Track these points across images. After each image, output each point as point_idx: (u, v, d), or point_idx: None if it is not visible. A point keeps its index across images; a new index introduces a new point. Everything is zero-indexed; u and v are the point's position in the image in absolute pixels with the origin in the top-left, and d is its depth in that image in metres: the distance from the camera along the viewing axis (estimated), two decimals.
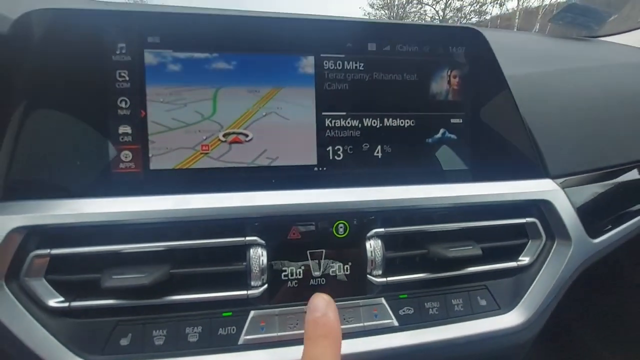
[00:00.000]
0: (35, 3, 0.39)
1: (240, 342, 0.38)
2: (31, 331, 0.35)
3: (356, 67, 0.42)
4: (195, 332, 0.38)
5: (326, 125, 0.42)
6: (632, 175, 0.56)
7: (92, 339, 0.37)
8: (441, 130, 0.45)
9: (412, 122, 0.44)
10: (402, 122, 0.43)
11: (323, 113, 0.42)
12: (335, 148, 0.42)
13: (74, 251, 0.36)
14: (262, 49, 0.40)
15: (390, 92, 0.43)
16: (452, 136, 0.45)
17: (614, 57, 0.72)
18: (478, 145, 0.46)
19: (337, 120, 0.42)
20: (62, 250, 0.36)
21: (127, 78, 0.38)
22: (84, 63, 0.37)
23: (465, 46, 0.45)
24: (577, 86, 0.57)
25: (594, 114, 0.56)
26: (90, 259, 0.37)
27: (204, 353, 0.37)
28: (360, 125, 0.43)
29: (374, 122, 0.43)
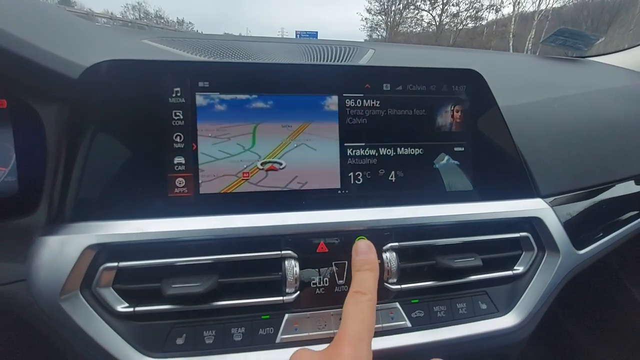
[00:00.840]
0: (100, 53, 0.46)
1: (278, 340, 0.45)
2: (103, 333, 0.42)
3: (373, 104, 0.49)
4: (239, 332, 0.44)
5: (348, 154, 0.49)
6: (613, 192, 0.64)
7: (153, 339, 0.43)
8: (446, 157, 0.52)
9: (421, 151, 0.51)
10: (412, 151, 0.50)
11: (345, 144, 0.49)
12: (356, 174, 0.49)
13: (138, 264, 0.43)
14: (294, 90, 0.47)
15: (403, 125, 0.50)
16: (455, 162, 0.52)
17: (601, 81, 0.80)
18: (478, 169, 0.53)
19: (357, 150, 0.49)
20: (127, 263, 0.43)
21: (182, 117, 0.45)
22: (146, 104, 0.44)
23: (466, 85, 0.52)
24: (565, 112, 0.65)
25: (580, 138, 0.63)
26: (151, 270, 0.43)
27: (247, 350, 0.44)
28: (377, 154, 0.50)
29: (389, 151, 0.50)
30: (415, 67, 0.50)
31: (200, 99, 0.45)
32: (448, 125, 0.52)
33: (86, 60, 0.44)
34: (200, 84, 0.45)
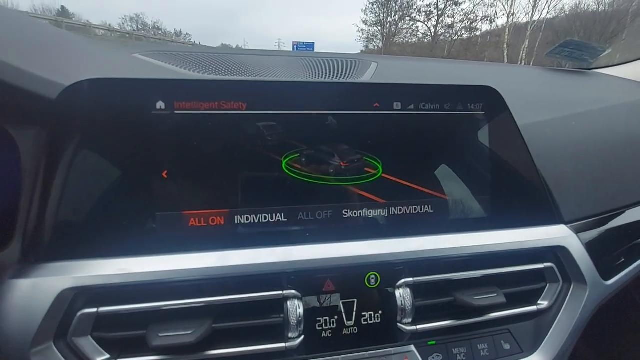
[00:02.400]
0: (83, 70, 0.42)
1: None
2: None
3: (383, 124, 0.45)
4: None
5: None
6: (634, 215, 0.59)
7: None
8: (462, 181, 0.47)
9: (436, 175, 0.46)
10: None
11: None
12: None
13: (120, 309, 0.38)
14: (294, 108, 0.43)
15: (415, 146, 0.46)
16: (473, 186, 0.47)
17: (615, 96, 0.76)
18: (497, 194, 0.48)
19: None
20: (108, 309, 0.38)
21: None
22: (130, 127, 0.40)
23: (483, 102, 0.48)
24: (584, 130, 0.61)
25: (601, 157, 0.59)
26: (135, 316, 0.38)
27: None
28: None
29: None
30: (428, 84, 0.46)
31: None
32: (464, 147, 0.47)
33: (66, 79, 0.40)
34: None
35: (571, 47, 1.07)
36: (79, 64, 0.49)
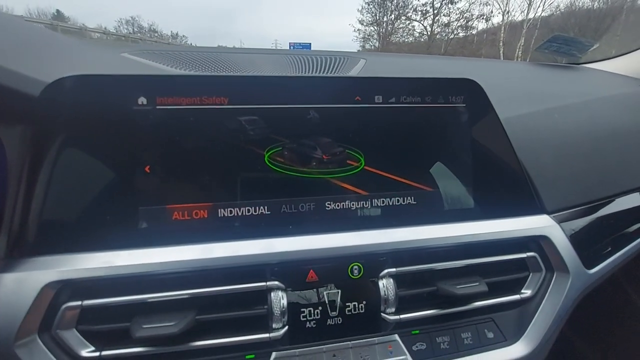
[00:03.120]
0: (67, 68, 0.42)
1: None
2: None
3: (365, 117, 0.46)
4: None
5: None
6: (620, 204, 0.60)
7: None
8: (445, 173, 0.48)
9: (418, 167, 0.47)
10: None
11: None
12: None
13: (105, 302, 0.38)
14: (275, 103, 0.43)
15: (397, 139, 0.46)
16: (455, 178, 0.48)
17: (600, 89, 0.77)
18: (479, 185, 0.49)
19: None
20: (92, 302, 0.38)
21: None
22: (113, 123, 0.40)
23: (464, 95, 0.48)
24: (566, 123, 0.62)
25: (582, 149, 0.60)
26: (120, 308, 0.39)
27: None
28: None
29: None
30: (408, 78, 0.47)
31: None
32: (446, 140, 0.48)
33: (49, 76, 0.40)
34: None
35: (559, 42, 1.08)
36: (64, 62, 0.50)
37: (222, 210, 0.42)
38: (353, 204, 0.45)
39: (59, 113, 0.39)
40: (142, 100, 0.40)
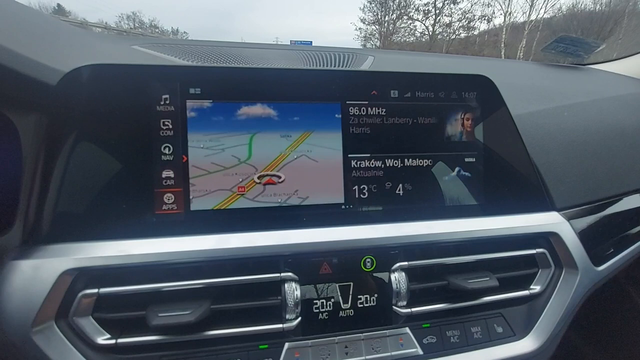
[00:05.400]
0: (83, 58, 0.43)
1: None
2: None
3: (379, 112, 0.46)
4: None
5: (352, 166, 0.45)
6: (629, 203, 0.60)
7: None
8: (456, 169, 0.48)
9: (430, 162, 0.47)
10: (421, 162, 0.47)
11: (349, 155, 0.45)
12: (361, 187, 0.45)
13: (121, 290, 0.39)
14: (294, 98, 0.44)
15: (410, 134, 0.47)
16: (467, 174, 0.48)
17: (607, 89, 0.78)
18: (490, 181, 0.49)
19: (362, 162, 0.45)
20: (109, 290, 0.38)
21: (171, 126, 0.41)
22: (131, 113, 0.40)
23: (477, 91, 0.49)
24: (576, 121, 0.62)
25: (591, 148, 0.60)
26: (136, 297, 0.39)
27: None
28: (383, 165, 0.46)
29: (396, 163, 0.46)
30: (424, 73, 0.47)
31: (191, 107, 0.41)
32: (458, 135, 0.48)
33: (66, 65, 0.40)
34: (192, 90, 0.41)
35: (566, 43, 1.08)
36: (79, 52, 0.50)
37: (238, 200, 0.42)
38: None
39: (75, 102, 0.40)
40: (165, 93, 0.40)
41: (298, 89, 0.44)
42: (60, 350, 0.37)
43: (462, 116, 0.49)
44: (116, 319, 0.39)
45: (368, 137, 0.46)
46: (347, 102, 0.45)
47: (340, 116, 0.45)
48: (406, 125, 0.47)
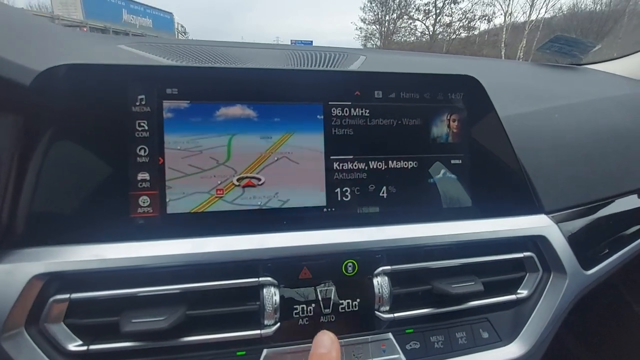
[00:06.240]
0: (60, 58, 0.42)
1: None
2: None
3: (362, 113, 0.45)
4: None
5: (334, 168, 0.44)
6: (619, 206, 0.59)
7: None
8: (442, 171, 0.47)
9: (415, 164, 0.46)
10: (406, 164, 0.46)
11: (331, 157, 0.44)
12: (343, 190, 0.44)
13: (93, 295, 0.38)
14: (275, 98, 0.43)
15: (395, 136, 0.46)
16: (452, 176, 0.47)
17: (601, 90, 0.77)
18: (476, 183, 0.48)
19: (344, 164, 0.44)
20: (81, 295, 0.37)
21: (146, 127, 0.40)
22: (106, 114, 0.39)
23: (463, 92, 0.48)
24: (567, 123, 0.61)
25: (583, 149, 0.59)
26: (109, 302, 0.38)
27: None
28: (366, 167, 0.45)
29: (379, 165, 0.45)
30: (408, 73, 0.46)
31: (167, 108, 0.40)
32: (444, 136, 0.47)
33: (41, 64, 0.39)
34: (168, 90, 0.40)
35: (561, 43, 1.07)
36: (57, 51, 0.49)
37: (216, 203, 0.41)
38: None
39: (50, 103, 0.39)
40: (141, 93, 0.39)
41: (279, 90, 0.43)
42: (30, 357, 0.36)
43: (449, 117, 0.48)
44: (89, 325, 0.38)
45: (351, 138, 0.45)
46: (330, 103, 0.44)
47: (322, 117, 0.44)
48: (390, 126, 0.46)
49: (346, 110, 0.44)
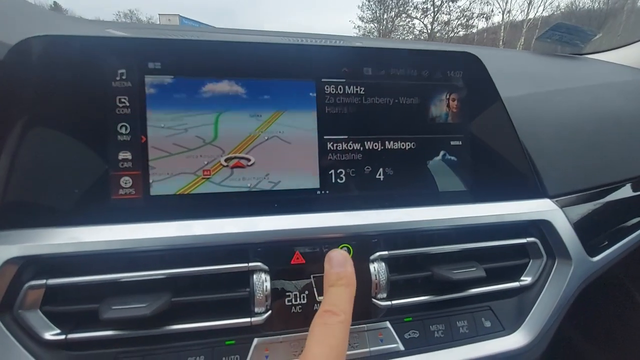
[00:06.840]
0: (35, 29, 0.39)
1: None
2: None
3: (357, 91, 0.43)
4: None
5: (328, 148, 0.42)
6: (625, 192, 0.57)
7: None
8: (441, 152, 0.45)
9: (413, 145, 0.44)
10: (403, 145, 0.44)
11: (325, 137, 0.42)
12: (338, 171, 0.42)
13: (71, 281, 0.35)
14: (264, 74, 0.40)
15: (391, 115, 0.43)
16: (452, 158, 0.45)
17: (602, 76, 0.75)
18: (477, 166, 0.46)
19: (338, 144, 0.42)
20: (58, 280, 0.35)
21: (128, 104, 0.37)
22: (84, 89, 0.37)
23: (463, 70, 0.46)
24: (569, 106, 0.59)
25: (585, 133, 0.57)
26: (88, 288, 0.36)
27: None
28: (361, 148, 0.43)
29: (375, 145, 0.43)
30: (406, 49, 0.44)
31: (150, 83, 0.38)
32: (443, 116, 0.45)
33: (12, 38, 0.37)
34: (151, 65, 0.38)
35: (561, 31, 1.05)
36: (38, 29, 0.46)
37: (203, 184, 0.39)
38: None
39: (26, 79, 0.36)
40: (122, 68, 0.37)
41: (268, 65, 0.41)
42: (4, 347, 0.34)
43: (448, 96, 0.45)
44: (67, 312, 0.36)
45: (345, 117, 0.42)
46: (323, 80, 0.42)
47: (314, 95, 0.42)
48: (387, 105, 0.43)
49: (340, 88, 0.42)
